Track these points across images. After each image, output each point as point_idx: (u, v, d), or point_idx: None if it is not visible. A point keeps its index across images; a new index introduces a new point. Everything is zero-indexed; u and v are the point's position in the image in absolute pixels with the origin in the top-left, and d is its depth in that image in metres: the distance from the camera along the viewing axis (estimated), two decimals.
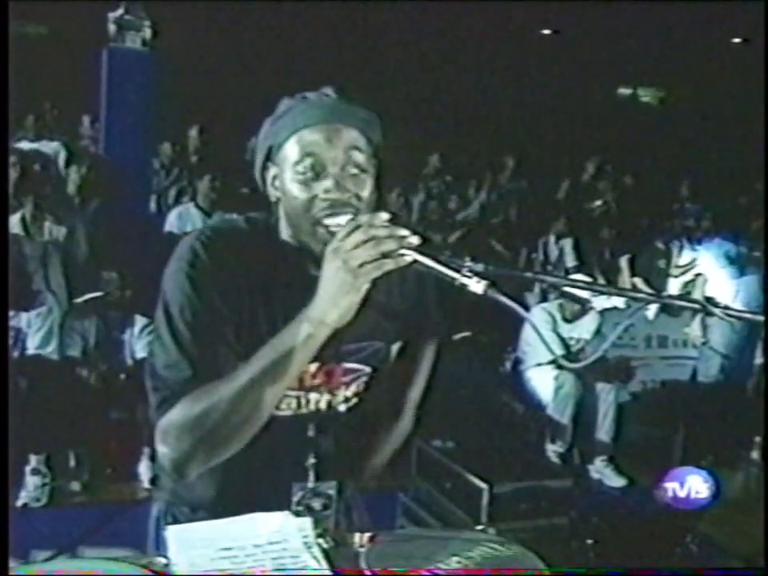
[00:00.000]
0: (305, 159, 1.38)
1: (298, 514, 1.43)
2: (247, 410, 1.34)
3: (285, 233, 1.47)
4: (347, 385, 1.53)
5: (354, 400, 1.56)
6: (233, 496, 1.50)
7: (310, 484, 1.50)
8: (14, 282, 4.50)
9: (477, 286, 1.23)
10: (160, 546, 1.44)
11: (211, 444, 1.37)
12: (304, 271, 1.42)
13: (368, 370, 1.54)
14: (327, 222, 1.35)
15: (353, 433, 1.58)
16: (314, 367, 1.46)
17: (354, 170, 1.39)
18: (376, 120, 1.44)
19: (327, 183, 1.37)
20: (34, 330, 4.47)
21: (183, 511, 1.59)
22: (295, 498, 1.49)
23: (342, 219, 1.33)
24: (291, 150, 1.40)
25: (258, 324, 1.42)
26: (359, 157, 1.39)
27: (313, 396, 1.50)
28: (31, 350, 4.46)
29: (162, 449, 1.39)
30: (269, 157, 1.45)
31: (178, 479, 1.43)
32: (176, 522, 1.54)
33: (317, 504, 1.49)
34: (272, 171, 1.45)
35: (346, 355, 1.49)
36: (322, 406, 1.51)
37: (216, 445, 1.37)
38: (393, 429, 1.61)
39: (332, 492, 1.51)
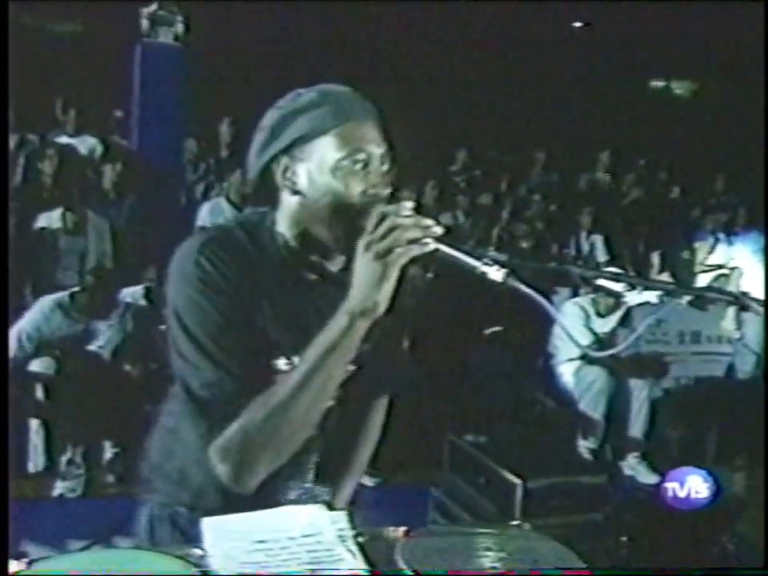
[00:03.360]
0: (354, 154, 1.39)
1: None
2: (303, 410, 1.36)
3: (286, 230, 1.46)
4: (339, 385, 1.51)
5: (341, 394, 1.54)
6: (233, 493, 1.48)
7: (308, 484, 1.51)
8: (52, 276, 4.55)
9: (496, 274, 1.25)
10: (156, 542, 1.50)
11: (273, 450, 1.38)
12: (301, 273, 1.45)
13: (352, 368, 1.51)
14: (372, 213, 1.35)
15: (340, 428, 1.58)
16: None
17: (387, 166, 1.42)
18: (382, 112, 1.46)
19: (375, 178, 1.40)
20: (101, 331, 4.52)
21: (180, 512, 1.58)
22: (291, 497, 1.49)
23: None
24: (331, 144, 1.40)
25: (270, 326, 1.43)
26: (388, 152, 1.43)
27: None
28: (94, 348, 4.51)
29: (221, 467, 1.39)
30: (286, 150, 1.42)
31: (242, 491, 1.42)
32: (173, 522, 1.57)
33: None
34: (284, 163, 1.42)
35: None
36: None
37: (278, 450, 1.39)
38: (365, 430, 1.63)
39: (327, 498, 1.51)
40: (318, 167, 1.40)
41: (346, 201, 1.39)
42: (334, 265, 1.48)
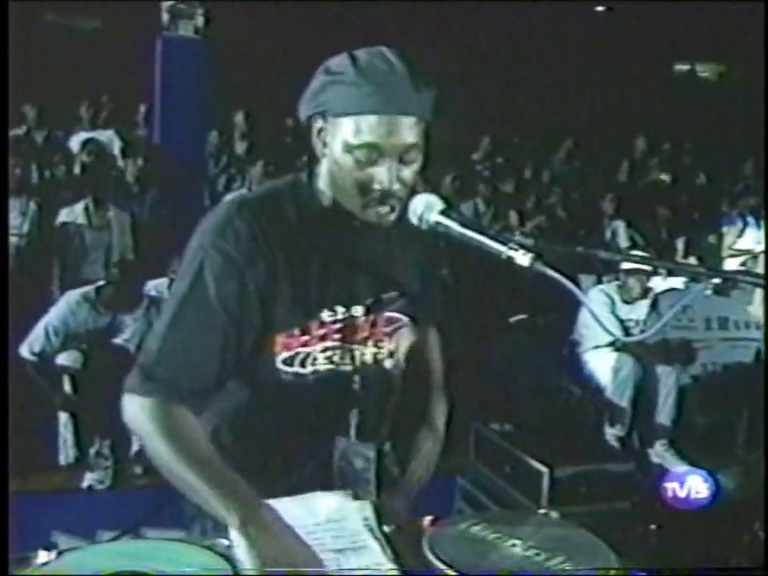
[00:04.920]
0: (364, 146, 1.37)
1: (340, 469, 1.45)
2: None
3: (324, 186, 1.47)
4: (390, 336, 1.56)
5: (402, 352, 1.59)
6: (278, 452, 1.52)
7: (352, 440, 1.53)
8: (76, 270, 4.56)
9: (523, 258, 1.26)
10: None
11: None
12: (343, 222, 1.46)
13: (405, 319, 1.58)
14: (376, 210, 1.40)
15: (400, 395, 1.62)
16: (362, 320, 1.51)
17: (408, 159, 1.40)
18: (434, 97, 1.42)
19: (382, 174, 1.38)
20: (126, 325, 4.55)
21: None
22: (337, 453, 1.50)
23: (387, 209, 1.39)
24: (349, 128, 1.38)
25: (313, 281, 1.45)
26: (414, 150, 1.40)
27: (360, 349, 1.53)
28: (120, 341, 4.53)
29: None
30: (321, 113, 1.42)
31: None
32: None
33: (359, 462, 1.50)
34: (320, 124, 1.43)
35: (386, 303, 1.54)
36: (368, 359, 1.54)
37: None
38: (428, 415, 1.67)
39: (371, 454, 1.53)
40: (335, 141, 1.40)
41: (354, 185, 1.40)
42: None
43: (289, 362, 1.48)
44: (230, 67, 7.50)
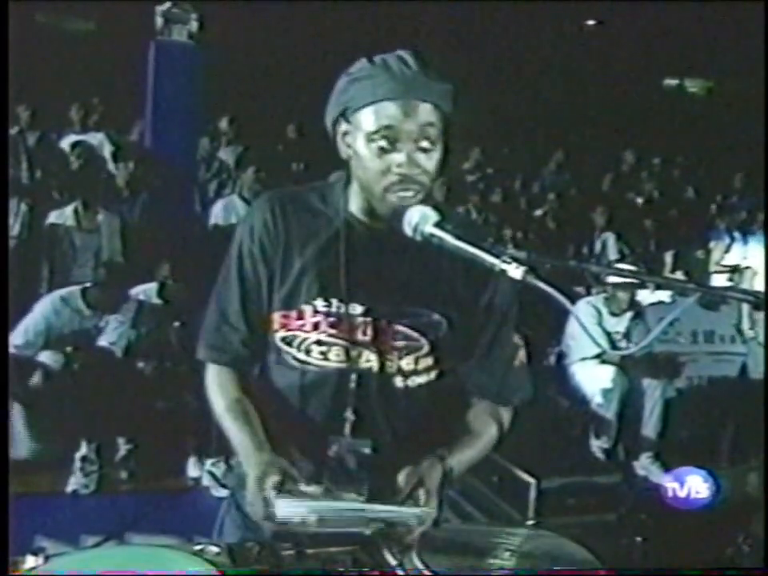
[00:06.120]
0: (381, 131, 1.41)
1: (332, 470, 1.44)
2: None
3: (353, 191, 1.52)
4: (400, 352, 1.52)
5: (418, 380, 1.55)
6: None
7: (346, 438, 1.51)
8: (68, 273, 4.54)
9: (515, 271, 1.27)
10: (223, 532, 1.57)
11: None
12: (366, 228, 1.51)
13: (424, 341, 1.53)
14: (397, 194, 1.41)
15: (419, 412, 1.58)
16: (360, 320, 1.50)
17: (426, 144, 1.43)
18: (450, 91, 1.46)
19: (400, 158, 1.41)
20: (111, 327, 4.53)
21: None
22: (330, 453, 1.49)
23: (410, 194, 1.41)
24: (368, 118, 1.43)
25: (314, 273, 1.51)
26: (432, 132, 1.43)
27: (362, 351, 1.51)
28: (105, 344, 4.50)
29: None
30: (342, 114, 1.47)
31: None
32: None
33: (351, 462, 1.49)
34: (344, 127, 1.48)
35: (398, 315, 1.51)
36: (373, 366, 1.52)
37: None
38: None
39: (367, 451, 1.50)
40: (357, 137, 1.44)
41: (375, 174, 1.43)
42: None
43: (288, 341, 1.54)
44: (223, 72, 7.49)
